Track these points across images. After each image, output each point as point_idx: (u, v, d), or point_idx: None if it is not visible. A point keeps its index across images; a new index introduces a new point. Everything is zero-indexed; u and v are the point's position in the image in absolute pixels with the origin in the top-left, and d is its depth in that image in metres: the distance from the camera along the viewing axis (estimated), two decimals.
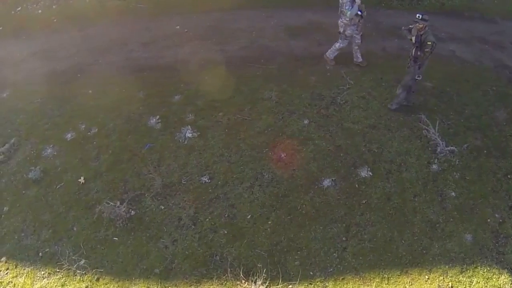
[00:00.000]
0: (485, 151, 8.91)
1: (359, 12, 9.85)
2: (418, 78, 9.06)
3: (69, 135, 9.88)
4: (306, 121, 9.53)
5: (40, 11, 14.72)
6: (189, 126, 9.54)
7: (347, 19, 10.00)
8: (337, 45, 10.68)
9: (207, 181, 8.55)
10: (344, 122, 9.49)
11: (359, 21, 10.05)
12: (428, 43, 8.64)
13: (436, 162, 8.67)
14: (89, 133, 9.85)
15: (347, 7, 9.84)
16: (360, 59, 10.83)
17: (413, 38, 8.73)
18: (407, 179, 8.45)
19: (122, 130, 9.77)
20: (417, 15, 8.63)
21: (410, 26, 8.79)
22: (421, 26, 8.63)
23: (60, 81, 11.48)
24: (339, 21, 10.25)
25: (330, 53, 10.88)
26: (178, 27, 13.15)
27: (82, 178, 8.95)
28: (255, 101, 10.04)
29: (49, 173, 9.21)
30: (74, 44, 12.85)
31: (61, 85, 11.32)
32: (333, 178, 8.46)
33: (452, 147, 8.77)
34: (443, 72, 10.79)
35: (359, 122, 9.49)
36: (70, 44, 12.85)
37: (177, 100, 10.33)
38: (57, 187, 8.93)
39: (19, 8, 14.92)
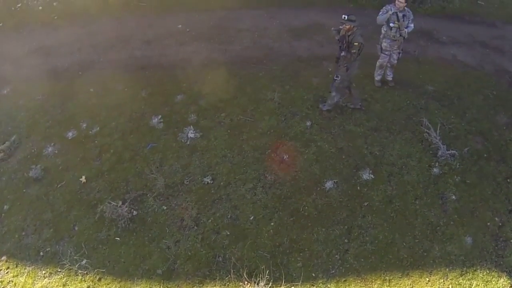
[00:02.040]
0: (485, 155, 8.96)
1: (391, 24, 9.49)
2: (336, 79, 9.07)
3: (70, 134, 9.86)
4: (308, 123, 9.54)
5: (40, 7, 14.63)
6: (191, 126, 9.54)
7: (384, 29, 9.68)
8: (378, 61, 10.27)
9: (209, 182, 8.55)
10: (346, 125, 9.51)
11: (393, 36, 9.65)
12: (355, 44, 8.63)
13: (437, 165, 8.71)
14: (90, 131, 9.84)
15: (380, 13, 9.55)
16: (390, 78, 10.52)
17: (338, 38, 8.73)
18: (409, 182, 8.48)
19: (124, 129, 9.76)
20: (343, 16, 8.55)
21: (340, 27, 8.69)
22: (348, 27, 8.59)
23: (62, 78, 11.47)
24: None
25: (376, 75, 10.49)
26: (180, 26, 13.13)
27: (83, 177, 8.94)
28: (258, 102, 10.05)
29: (50, 171, 9.20)
30: (76, 41, 12.81)
31: (63, 83, 11.31)
32: (335, 180, 8.48)
33: (453, 151, 8.81)
34: (444, 75, 10.86)
35: (361, 125, 9.52)
36: (72, 41, 12.81)
37: (180, 100, 10.32)
38: (58, 186, 8.93)
39: (20, 4, 14.83)
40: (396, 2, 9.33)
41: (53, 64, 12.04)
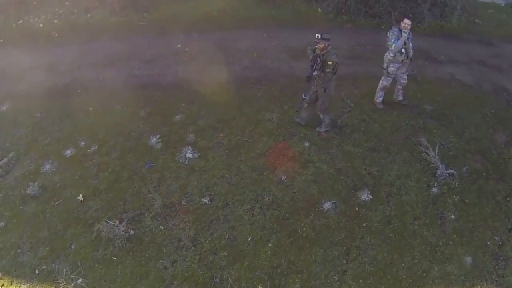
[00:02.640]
0: (484, 174, 8.99)
1: (402, 50, 9.51)
2: (304, 97, 9.05)
3: (68, 152, 9.85)
4: (307, 144, 9.55)
5: (41, 24, 14.76)
6: (190, 146, 9.54)
7: (392, 54, 9.63)
8: (380, 83, 10.26)
9: (207, 202, 8.53)
10: (345, 145, 9.54)
11: (402, 60, 9.69)
12: (328, 63, 8.66)
13: (436, 185, 8.73)
14: (89, 150, 9.82)
15: (392, 40, 9.47)
16: (401, 97, 10.54)
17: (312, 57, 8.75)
18: (407, 202, 8.49)
19: (123, 149, 9.76)
20: (316, 34, 8.57)
21: (316, 46, 8.73)
22: (322, 45, 8.62)
23: (61, 96, 11.50)
24: (384, 56, 9.90)
25: (377, 97, 10.48)
26: (179, 45, 13.23)
27: (81, 195, 8.91)
28: (256, 123, 10.07)
29: (47, 189, 9.16)
30: (76, 59, 12.87)
31: (62, 100, 11.32)
32: (334, 201, 8.48)
33: (451, 170, 8.82)
34: (442, 95, 10.94)
35: (359, 145, 9.54)
36: (72, 59, 12.87)
37: (178, 120, 10.34)
38: (56, 203, 8.89)
39: (21, 21, 14.97)
40: (404, 24, 9.35)
41: (52, 81, 12.06)
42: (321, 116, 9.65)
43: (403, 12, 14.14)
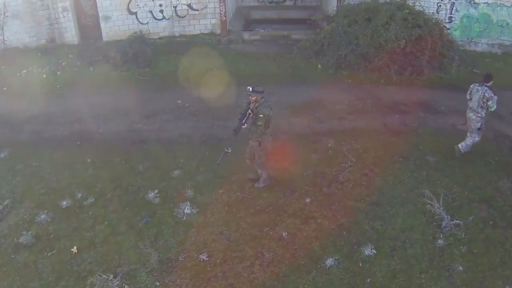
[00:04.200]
0: (491, 222, 8.87)
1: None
2: (227, 151, 8.99)
3: (64, 202, 9.70)
4: (308, 200, 9.49)
5: (45, 75, 15.03)
6: (188, 202, 9.43)
7: (484, 113, 10.09)
8: (475, 140, 10.44)
9: (205, 259, 8.32)
10: (347, 200, 9.47)
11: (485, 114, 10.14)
12: (260, 115, 8.76)
13: (441, 236, 8.57)
14: (85, 202, 9.69)
15: (490, 102, 9.90)
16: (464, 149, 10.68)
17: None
18: (413, 255, 8.28)
19: (120, 202, 9.64)
20: (248, 87, 8.74)
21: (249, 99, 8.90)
22: (254, 98, 8.77)
23: (60, 147, 11.53)
24: (472, 116, 10.21)
25: (465, 148, 10.57)
26: (179, 101, 13.44)
27: (75, 247, 8.68)
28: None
29: (41, 239, 8.93)
30: (76, 111, 13.02)
31: (61, 151, 11.35)
32: (336, 257, 8.26)
33: (457, 221, 8.73)
34: (444, 145, 11.07)
35: (361, 200, 9.48)
36: (72, 111, 13.02)
37: (177, 175, 10.30)
38: (49, 254, 8.64)
39: (25, 71, 15.24)
40: (486, 79, 10.10)
41: (52, 132, 12.15)
42: (259, 171, 9.68)
43: (403, 66, 14.70)
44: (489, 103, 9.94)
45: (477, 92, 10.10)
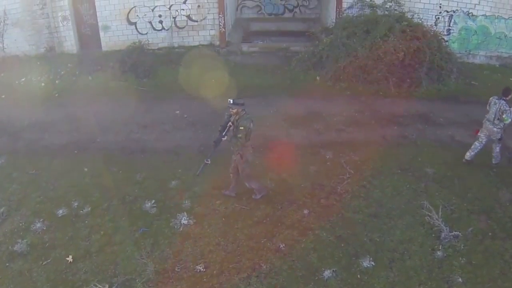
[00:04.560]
0: (490, 234, 8.85)
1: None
2: (206, 162, 9.09)
3: (61, 211, 9.63)
4: (306, 211, 9.44)
5: (43, 84, 15.04)
6: (185, 212, 9.37)
7: (501, 125, 10.27)
8: (497, 149, 10.71)
9: (202, 270, 8.23)
10: (345, 212, 9.43)
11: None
12: (240, 128, 8.82)
13: (440, 248, 8.52)
14: (81, 211, 9.62)
15: (505, 115, 10.07)
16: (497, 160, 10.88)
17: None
18: (411, 267, 8.21)
19: (116, 212, 9.57)
20: (229, 99, 8.81)
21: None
22: (235, 110, 8.83)
23: (57, 155, 11.51)
24: (493, 128, 10.37)
25: (496, 157, 10.79)
26: (178, 111, 13.44)
27: (70, 256, 8.60)
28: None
29: (36, 247, 8.84)
30: (74, 119, 13.02)
31: (58, 159, 11.32)
32: (334, 269, 8.18)
33: (456, 232, 8.71)
34: (443, 157, 11.11)
35: (360, 212, 9.44)
36: (70, 119, 13.01)
37: (174, 185, 10.26)
38: (44, 263, 8.55)
39: (23, 79, 15.26)
40: (505, 93, 10.29)
41: (50, 140, 12.14)
42: (247, 185, 9.65)
43: (401, 78, 14.78)
44: (504, 115, 10.10)
45: (495, 105, 10.27)
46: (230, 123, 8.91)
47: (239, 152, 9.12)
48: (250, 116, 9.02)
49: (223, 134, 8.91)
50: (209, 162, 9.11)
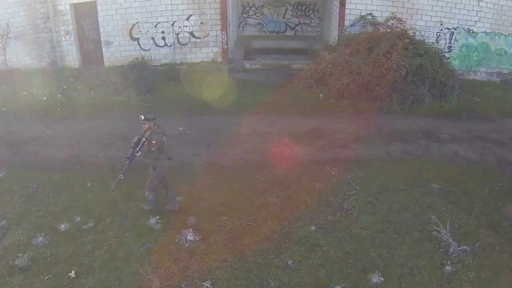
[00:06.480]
0: (498, 248, 8.79)
1: None
2: (120, 178, 9.28)
3: (63, 226, 9.46)
4: (313, 228, 9.34)
5: (45, 98, 15.00)
6: (190, 229, 9.22)
7: None
8: None
9: (209, 286, 8.04)
10: (352, 228, 9.36)
11: None
12: (153, 142, 9.10)
13: (449, 263, 8.43)
14: (84, 226, 9.45)
15: None
16: None
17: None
18: (421, 282, 8.11)
19: (120, 227, 9.41)
20: (140, 116, 9.19)
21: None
22: (147, 126, 9.15)
23: (59, 169, 11.39)
24: None
25: None
26: (181, 128, 13.36)
27: (73, 272, 8.42)
28: (260, 207, 9.88)
29: (38, 262, 8.64)
30: (76, 134, 12.96)
31: (59, 174, 11.18)
32: (343, 285, 8.06)
33: (464, 247, 8.65)
34: (448, 173, 11.08)
35: (367, 228, 9.37)
36: (72, 134, 12.94)
37: (179, 201, 10.10)
38: (45, 278, 8.34)
39: (25, 92, 15.24)
40: None
41: (51, 154, 12.04)
42: (146, 194, 9.73)
43: (404, 95, 14.85)
44: None
45: None
46: (144, 138, 9.17)
47: (152, 164, 9.31)
48: (162, 130, 9.33)
49: (137, 149, 9.15)
50: (122, 178, 9.30)
